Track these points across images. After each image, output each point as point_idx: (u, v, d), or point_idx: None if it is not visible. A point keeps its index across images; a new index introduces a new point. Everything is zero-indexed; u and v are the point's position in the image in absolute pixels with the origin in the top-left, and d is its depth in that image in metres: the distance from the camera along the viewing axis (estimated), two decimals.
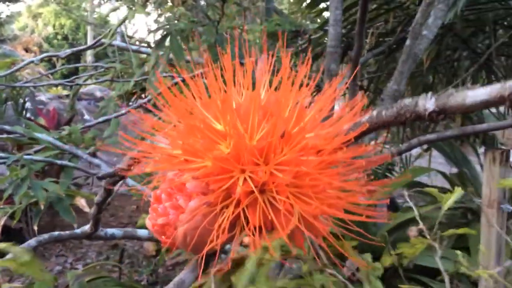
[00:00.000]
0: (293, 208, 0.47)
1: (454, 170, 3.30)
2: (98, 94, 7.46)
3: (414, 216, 2.48)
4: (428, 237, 0.74)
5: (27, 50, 8.29)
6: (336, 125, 0.50)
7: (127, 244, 3.72)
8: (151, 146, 0.52)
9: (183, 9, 2.52)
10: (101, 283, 2.61)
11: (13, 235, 2.93)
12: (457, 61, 3.09)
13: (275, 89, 0.54)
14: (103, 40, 2.56)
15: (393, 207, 3.09)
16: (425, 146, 3.49)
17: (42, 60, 3.49)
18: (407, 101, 0.45)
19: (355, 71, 2.29)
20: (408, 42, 2.13)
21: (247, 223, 0.47)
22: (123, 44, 2.72)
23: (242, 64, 0.60)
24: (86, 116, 6.42)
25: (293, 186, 0.48)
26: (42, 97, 5.82)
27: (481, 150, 3.42)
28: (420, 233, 0.79)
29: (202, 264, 0.49)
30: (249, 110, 0.48)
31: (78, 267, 3.25)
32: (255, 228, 0.47)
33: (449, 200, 0.76)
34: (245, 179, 0.47)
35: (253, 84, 0.57)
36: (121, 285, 2.69)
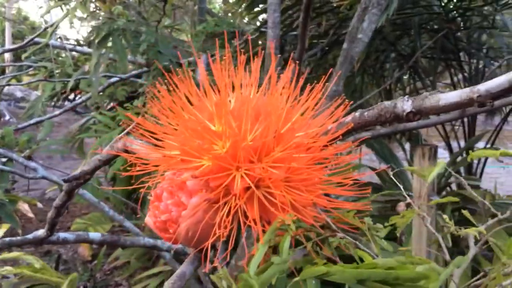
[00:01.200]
0: (286, 200, 0.52)
1: (383, 165, 3.49)
2: (19, 94, 7.11)
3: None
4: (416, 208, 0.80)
5: None
6: (322, 124, 0.55)
7: (61, 250, 3.61)
8: (149, 148, 0.55)
9: (121, 8, 2.49)
10: None
11: None
12: (384, 63, 3.28)
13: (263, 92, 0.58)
14: (37, 39, 2.47)
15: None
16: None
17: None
18: (387, 103, 0.51)
19: (298, 72, 2.38)
20: (345, 45, 2.24)
21: (245, 216, 0.51)
22: (57, 43, 2.64)
23: (179, 64, 0.64)
24: (9, 118, 6.09)
25: (286, 180, 0.53)
26: None
27: (407, 146, 3.65)
28: (407, 207, 0.84)
29: (203, 256, 0.52)
30: (242, 112, 0.52)
31: (10, 276, 3.10)
32: (253, 220, 0.51)
33: (432, 174, 0.81)
34: (242, 176, 0.51)
35: (197, 85, 0.61)
36: None
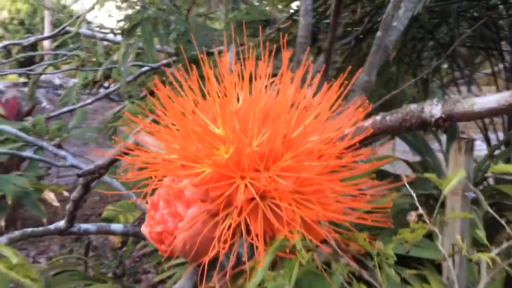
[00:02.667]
0: (295, 214, 0.46)
1: (417, 158, 3.38)
2: (57, 81, 7.24)
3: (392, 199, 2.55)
4: (428, 222, 0.74)
5: None
6: (338, 128, 0.49)
7: (91, 236, 3.65)
8: (146, 150, 0.50)
9: None
10: (67, 277, 2.54)
11: None
12: (421, 52, 3.15)
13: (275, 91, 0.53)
14: (68, 28, 2.47)
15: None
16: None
17: (5, 47, 3.35)
18: (413, 106, 0.45)
19: (328, 62, 2.30)
20: (379, 33, 2.14)
21: (248, 230, 0.46)
22: (89, 32, 2.63)
23: (209, 53, 0.59)
24: (46, 105, 6.22)
25: (295, 192, 0.47)
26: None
27: (443, 138, 3.51)
28: (419, 218, 0.78)
29: (200, 271, 0.47)
30: (249, 114, 0.47)
31: (40, 261, 3.16)
32: (256, 235, 0.46)
33: (450, 184, 0.75)
34: (246, 185, 0.46)
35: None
36: (87, 278, 2.64)
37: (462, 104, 0.41)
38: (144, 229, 0.50)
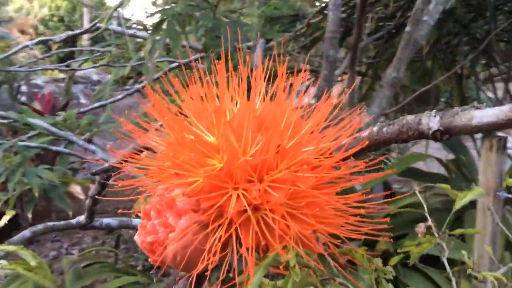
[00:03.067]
0: (289, 227, 0.45)
1: (451, 156, 3.29)
2: (95, 77, 7.39)
3: (410, 202, 2.47)
4: (436, 234, 0.72)
5: (22, 32, 8.17)
6: (335, 139, 0.48)
7: (123, 229, 3.72)
8: (142, 157, 0.50)
9: None
10: (97, 268, 2.60)
11: (8, 221, 2.90)
12: (456, 47, 3.05)
13: (271, 97, 0.51)
14: (99, 25, 2.51)
15: (389, 192, 3.09)
16: None
17: (44, 43, 3.43)
18: (410, 118, 0.43)
19: (354, 58, 2.26)
20: (408, 28, 2.09)
21: (240, 242, 0.45)
22: (118, 28, 2.67)
23: (238, 49, 0.58)
24: (82, 100, 6.37)
25: (289, 204, 0.46)
26: (38, 80, 5.75)
27: (478, 136, 3.40)
28: (428, 230, 0.76)
29: (193, 284, 0.47)
30: (243, 122, 0.46)
31: (73, 253, 3.24)
32: (251, 247, 0.45)
33: (464, 200, 0.73)
34: (238, 197, 0.45)
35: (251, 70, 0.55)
36: (117, 270, 2.69)
37: (460, 117, 0.39)
38: (137, 238, 0.50)
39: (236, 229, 0.45)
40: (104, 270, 2.71)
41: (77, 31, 2.70)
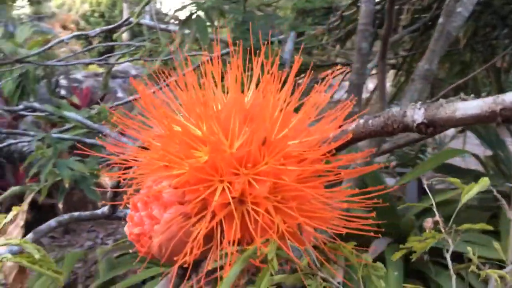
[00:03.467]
0: (273, 221, 0.44)
1: (488, 152, 3.18)
2: (133, 72, 7.53)
3: (443, 199, 2.40)
4: (443, 230, 0.69)
5: (64, 27, 8.41)
6: (322, 132, 0.47)
7: None
8: (136, 148, 0.50)
9: None
10: (129, 259, 2.66)
11: (45, 211, 3.01)
12: (495, 39, 2.94)
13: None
14: (131, 19, 2.55)
15: (422, 189, 3.02)
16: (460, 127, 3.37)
17: (78, 38, 3.51)
18: (395, 110, 0.41)
19: (385, 50, 2.21)
20: (441, 19, 2.03)
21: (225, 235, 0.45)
22: (151, 23, 2.70)
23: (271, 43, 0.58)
24: (120, 94, 6.51)
25: (274, 197, 0.45)
26: (78, 75, 5.90)
27: None
28: (436, 225, 0.74)
29: (182, 275, 0.47)
30: (230, 114, 0.45)
31: (108, 243, 3.32)
32: (234, 240, 0.44)
33: (470, 192, 0.70)
34: (223, 189, 0.45)
35: (283, 64, 0.54)
36: (148, 261, 2.74)
37: (444, 109, 0.37)
38: (126, 229, 0.50)
39: (221, 222, 0.45)
40: (136, 260, 2.75)
41: (110, 26, 2.75)
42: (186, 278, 0.47)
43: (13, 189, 2.07)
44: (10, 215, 1.01)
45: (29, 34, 2.95)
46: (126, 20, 2.61)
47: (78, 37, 2.76)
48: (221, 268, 0.44)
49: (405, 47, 3.59)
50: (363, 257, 0.47)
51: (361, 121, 0.45)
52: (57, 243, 3.38)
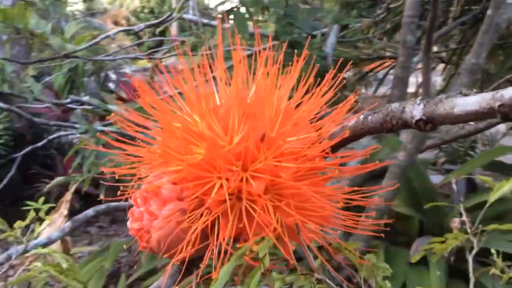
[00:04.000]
0: (270, 218, 0.43)
1: None
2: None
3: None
4: (469, 230, 0.66)
5: (116, 23, 8.64)
6: (324, 128, 0.45)
7: None
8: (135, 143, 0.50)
9: None
10: None
11: (92, 200, 3.10)
12: None
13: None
14: (174, 15, 2.58)
15: (472, 187, 2.90)
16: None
17: (127, 33, 3.58)
18: (394, 106, 0.39)
19: (429, 43, 2.14)
20: (489, 11, 1.93)
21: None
22: (193, 17, 2.73)
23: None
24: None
25: (273, 194, 0.44)
26: (127, 69, 6.05)
27: None
28: (462, 226, 0.71)
29: (183, 271, 0.47)
30: (230, 110, 0.44)
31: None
32: (230, 238, 0.43)
33: (500, 191, 0.67)
34: (220, 186, 0.44)
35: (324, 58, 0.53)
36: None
37: (443, 105, 0.34)
38: (128, 224, 0.50)
39: (218, 220, 0.44)
40: None
41: (154, 21, 2.80)
42: (181, 275, 0.46)
43: (58, 179, 2.16)
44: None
45: (76, 29, 3.04)
46: (169, 15, 2.65)
47: (127, 32, 2.82)
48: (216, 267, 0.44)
49: (456, 40, 3.46)
50: (366, 257, 0.45)
51: (361, 116, 0.43)
52: (104, 232, 3.47)
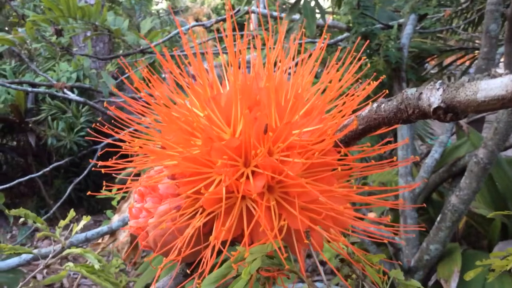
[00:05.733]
0: (272, 219, 0.38)
1: None
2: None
3: None
4: None
5: (197, 20, 8.82)
6: (332, 120, 0.39)
7: None
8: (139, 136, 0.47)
9: None
10: None
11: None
12: None
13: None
14: (244, 8, 2.56)
15: None
16: None
17: (209, 28, 3.65)
18: (410, 91, 0.32)
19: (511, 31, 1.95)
20: None
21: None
22: (264, 11, 2.70)
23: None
24: None
25: (278, 193, 0.38)
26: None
27: None
28: None
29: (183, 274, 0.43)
30: (231, 100, 0.40)
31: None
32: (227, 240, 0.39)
33: None
34: (219, 182, 0.39)
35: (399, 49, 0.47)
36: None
37: (465, 90, 0.27)
38: (129, 222, 0.47)
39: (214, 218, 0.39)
40: None
41: (224, 16, 2.80)
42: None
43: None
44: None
45: (151, 26, 3.11)
46: (238, 10, 2.64)
47: (208, 29, 2.85)
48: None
49: None
50: (391, 273, 0.39)
51: (374, 105, 0.36)
52: None
